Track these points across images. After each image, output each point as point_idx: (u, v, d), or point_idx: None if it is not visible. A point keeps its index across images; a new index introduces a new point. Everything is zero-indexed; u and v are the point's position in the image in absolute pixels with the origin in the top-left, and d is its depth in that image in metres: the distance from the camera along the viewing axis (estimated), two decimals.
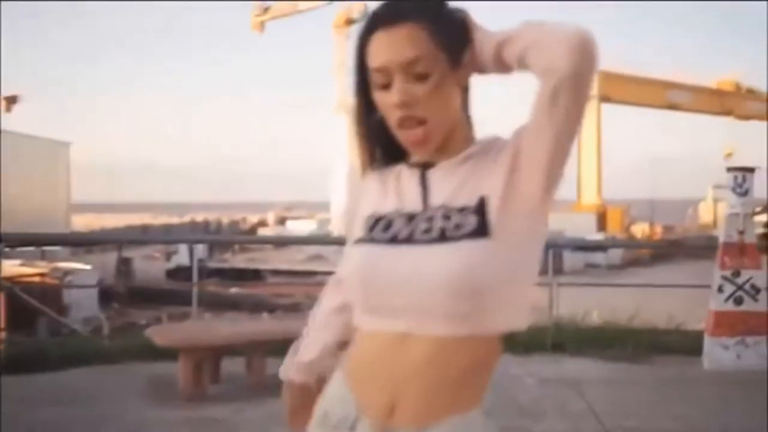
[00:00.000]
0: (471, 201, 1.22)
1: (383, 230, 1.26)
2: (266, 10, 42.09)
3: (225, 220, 54.00)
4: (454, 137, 1.29)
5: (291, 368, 1.51)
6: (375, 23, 1.25)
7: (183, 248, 31.00)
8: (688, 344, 6.55)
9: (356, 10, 44.28)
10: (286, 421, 1.52)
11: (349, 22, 44.77)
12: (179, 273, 29.87)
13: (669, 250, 30.74)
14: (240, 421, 4.57)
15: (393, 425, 1.20)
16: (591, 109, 36.23)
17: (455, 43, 1.24)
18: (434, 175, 1.28)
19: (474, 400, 1.22)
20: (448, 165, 1.27)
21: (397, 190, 1.30)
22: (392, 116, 1.24)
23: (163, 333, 5.23)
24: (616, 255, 31.21)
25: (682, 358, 6.34)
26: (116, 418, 4.62)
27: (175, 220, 51.71)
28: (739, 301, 6.10)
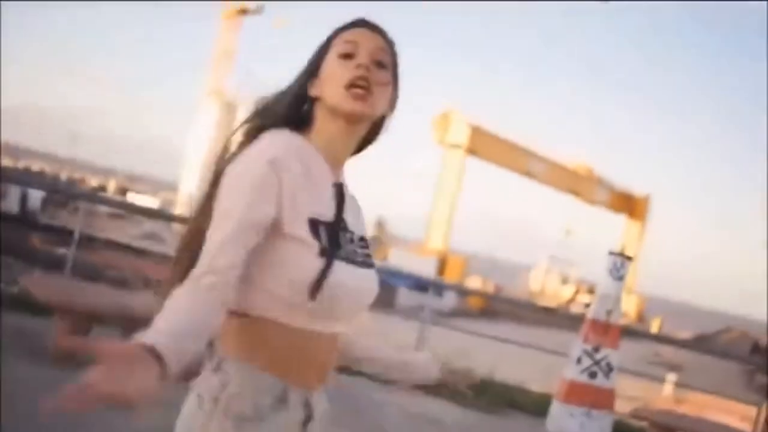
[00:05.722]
0: (363, 234, 1.50)
1: (335, 245, 1.38)
2: None
3: (63, 175, 51.15)
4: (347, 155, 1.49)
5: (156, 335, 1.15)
6: (360, 24, 1.48)
7: (14, 194, 29.08)
8: (534, 404, 6.92)
9: (252, 4, 43.96)
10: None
11: (243, 12, 44.30)
12: (5, 220, 27.96)
13: (497, 307, 32.15)
14: None
15: (316, 390, 1.45)
16: (456, 158, 37.42)
17: (396, 78, 1.49)
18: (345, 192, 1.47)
19: None
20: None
21: (318, 192, 1.41)
22: (346, 76, 1.40)
23: (42, 287, 4.93)
24: (448, 302, 32.21)
25: (529, 416, 6.69)
26: None
27: (6, 161, 48.28)
28: (593, 375, 6.51)
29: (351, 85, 1.40)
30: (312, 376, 1.43)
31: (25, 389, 4.15)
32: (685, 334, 38.31)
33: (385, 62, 1.44)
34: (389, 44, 1.48)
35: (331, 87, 1.41)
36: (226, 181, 1.35)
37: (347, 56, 1.42)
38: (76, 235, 6.58)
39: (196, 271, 1.29)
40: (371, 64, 1.42)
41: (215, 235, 1.31)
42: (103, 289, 5.91)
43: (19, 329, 5.14)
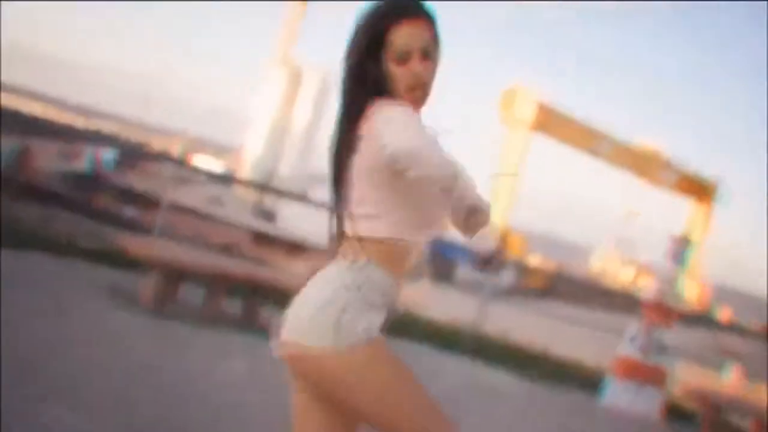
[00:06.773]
0: None
1: None
2: None
3: (131, 136, 52.31)
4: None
5: None
6: (400, 13, 1.78)
7: (88, 155, 30.02)
8: (587, 379, 7.17)
9: None
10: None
11: None
12: (76, 180, 28.83)
13: (556, 287, 32.05)
14: (197, 344, 4.80)
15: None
16: (521, 134, 37.25)
17: (438, 41, 1.82)
18: None
19: None
20: None
21: None
22: (405, 81, 1.78)
23: (140, 245, 5.38)
24: (506, 280, 32.11)
25: (581, 389, 6.93)
26: (80, 312, 4.77)
27: (80, 122, 49.72)
28: (646, 354, 6.72)
29: (412, 89, 1.78)
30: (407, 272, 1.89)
31: (125, 338, 4.58)
32: (751, 324, 37.64)
33: (430, 51, 1.79)
34: (431, 23, 1.80)
35: (396, 86, 1.79)
36: (398, 115, 1.71)
37: (402, 62, 1.77)
38: (164, 203, 7.04)
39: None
40: (421, 62, 1.77)
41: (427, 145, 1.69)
42: (191, 249, 6.37)
43: (113, 283, 5.60)
